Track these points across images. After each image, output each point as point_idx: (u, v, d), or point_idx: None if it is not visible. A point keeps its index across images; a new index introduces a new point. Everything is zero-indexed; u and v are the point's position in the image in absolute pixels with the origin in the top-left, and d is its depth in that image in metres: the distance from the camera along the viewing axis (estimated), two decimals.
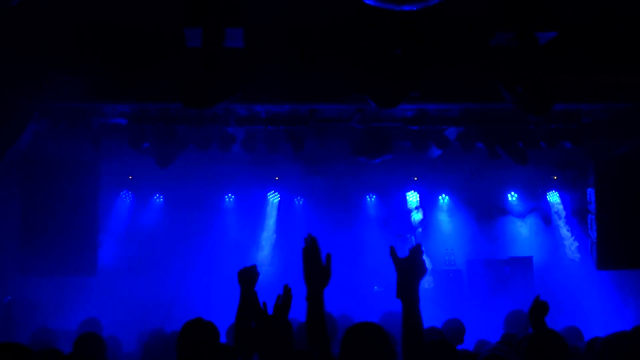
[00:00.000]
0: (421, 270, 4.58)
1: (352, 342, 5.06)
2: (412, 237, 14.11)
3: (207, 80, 7.87)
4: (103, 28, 8.37)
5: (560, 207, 14.39)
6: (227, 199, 14.42)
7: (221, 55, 7.71)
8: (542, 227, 14.59)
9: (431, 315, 9.16)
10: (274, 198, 14.55)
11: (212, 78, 7.86)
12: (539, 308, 5.91)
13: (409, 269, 4.58)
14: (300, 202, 14.63)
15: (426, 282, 13.97)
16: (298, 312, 8.85)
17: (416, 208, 14.57)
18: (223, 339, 7.68)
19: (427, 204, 14.70)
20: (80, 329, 8.95)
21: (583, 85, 9.35)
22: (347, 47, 8.56)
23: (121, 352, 8.45)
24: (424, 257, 4.61)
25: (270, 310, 5.52)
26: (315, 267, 4.98)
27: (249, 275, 6.07)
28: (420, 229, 14.21)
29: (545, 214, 14.55)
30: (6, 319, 10.98)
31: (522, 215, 14.64)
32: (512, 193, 14.61)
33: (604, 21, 8.56)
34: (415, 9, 6.38)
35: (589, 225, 12.76)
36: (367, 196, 14.70)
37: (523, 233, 14.61)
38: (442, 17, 8.10)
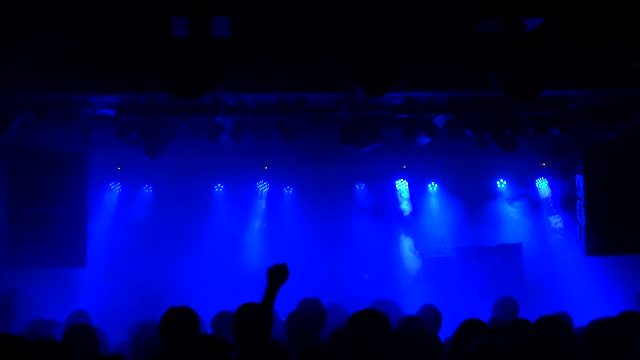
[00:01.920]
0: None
1: (358, 328, 5.13)
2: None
3: (195, 70, 7.84)
4: (89, 18, 8.33)
5: (549, 193, 14.43)
6: (217, 189, 14.40)
7: (208, 44, 7.68)
8: (531, 213, 14.62)
9: (421, 304, 9.19)
10: (263, 187, 14.54)
11: (200, 68, 7.83)
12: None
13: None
14: (290, 192, 14.62)
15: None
16: (288, 300, 8.90)
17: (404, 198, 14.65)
18: (209, 329, 7.71)
19: (416, 192, 14.72)
20: (68, 321, 8.94)
21: (571, 71, 9.35)
22: (335, 35, 8.55)
23: (109, 344, 8.44)
24: None
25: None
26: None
27: (278, 274, 5.86)
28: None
29: (534, 201, 14.59)
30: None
31: (511, 202, 14.67)
32: (501, 180, 14.63)
33: (592, 7, 8.56)
34: None
35: (578, 212, 12.80)
36: (357, 185, 14.69)
37: (512, 220, 14.64)
38: (429, 5, 8.10)
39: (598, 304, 12.61)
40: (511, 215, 14.62)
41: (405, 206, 14.63)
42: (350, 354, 5.20)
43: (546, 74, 8.38)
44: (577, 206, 12.80)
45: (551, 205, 14.38)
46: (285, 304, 8.61)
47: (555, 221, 14.28)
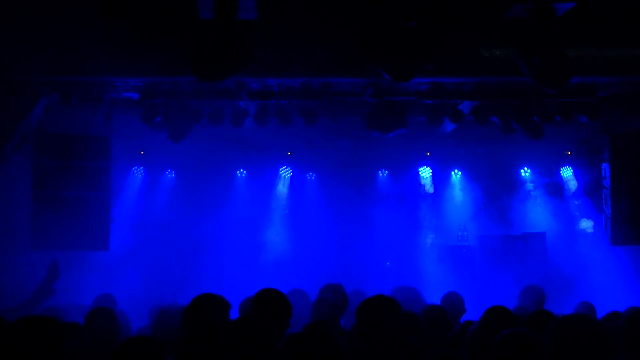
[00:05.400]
0: None
1: (366, 315, 5.11)
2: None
3: (220, 52, 7.79)
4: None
5: (574, 182, 14.30)
6: (239, 174, 14.38)
7: (234, 27, 7.61)
8: (556, 202, 14.51)
9: (443, 291, 9.13)
10: (286, 173, 14.50)
11: (225, 51, 7.77)
12: None
13: None
14: (313, 177, 14.58)
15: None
16: (311, 287, 8.86)
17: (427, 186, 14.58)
18: (236, 313, 7.67)
19: (439, 179, 14.64)
20: (94, 304, 8.94)
21: (600, 58, 9.23)
22: (361, 19, 8.46)
23: (132, 328, 8.43)
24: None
25: None
26: None
27: None
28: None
29: (558, 189, 14.46)
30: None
31: (535, 191, 14.55)
32: (525, 168, 14.53)
33: None
34: None
35: (604, 201, 12.66)
36: (380, 172, 14.63)
37: (536, 208, 14.53)
38: None
39: (623, 294, 12.49)
40: (535, 204, 14.52)
41: (428, 193, 14.56)
42: (361, 342, 5.17)
43: (576, 60, 8.27)
44: (603, 195, 12.67)
45: (576, 193, 14.26)
46: (307, 289, 8.59)
47: (582, 216, 14.19)
